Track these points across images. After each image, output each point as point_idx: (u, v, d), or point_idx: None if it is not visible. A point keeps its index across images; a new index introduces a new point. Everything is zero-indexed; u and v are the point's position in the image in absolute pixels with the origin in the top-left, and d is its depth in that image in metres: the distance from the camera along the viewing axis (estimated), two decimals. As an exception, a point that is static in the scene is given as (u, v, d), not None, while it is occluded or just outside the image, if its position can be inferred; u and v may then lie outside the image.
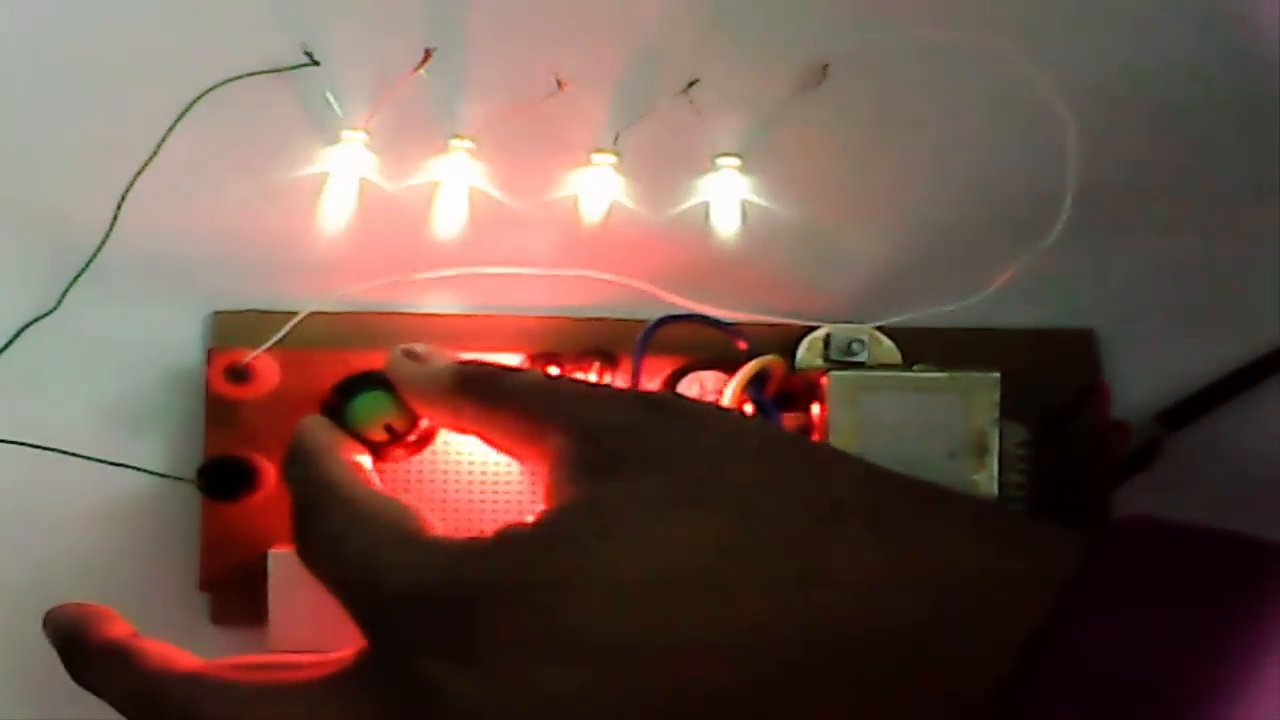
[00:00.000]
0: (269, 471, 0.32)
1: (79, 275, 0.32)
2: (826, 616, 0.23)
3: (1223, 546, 0.22)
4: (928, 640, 0.22)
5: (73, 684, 0.27)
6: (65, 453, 0.30)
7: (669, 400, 0.26)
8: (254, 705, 0.25)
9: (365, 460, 0.30)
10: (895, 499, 0.24)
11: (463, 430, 0.30)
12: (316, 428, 0.29)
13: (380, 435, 0.30)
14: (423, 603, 0.24)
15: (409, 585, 0.24)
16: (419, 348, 0.30)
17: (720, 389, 0.32)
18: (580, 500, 0.24)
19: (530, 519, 0.24)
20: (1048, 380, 0.33)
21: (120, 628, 0.28)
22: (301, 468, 0.28)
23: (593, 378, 0.32)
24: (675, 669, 0.23)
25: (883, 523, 0.23)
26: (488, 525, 0.30)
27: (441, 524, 0.26)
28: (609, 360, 0.33)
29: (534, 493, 0.32)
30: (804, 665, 0.22)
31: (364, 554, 0.25)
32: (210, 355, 0.32)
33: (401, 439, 0.31)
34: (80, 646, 0.27)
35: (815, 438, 0.31)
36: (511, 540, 0.24)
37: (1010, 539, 0.24)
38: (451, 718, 0.23)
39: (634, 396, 0.26)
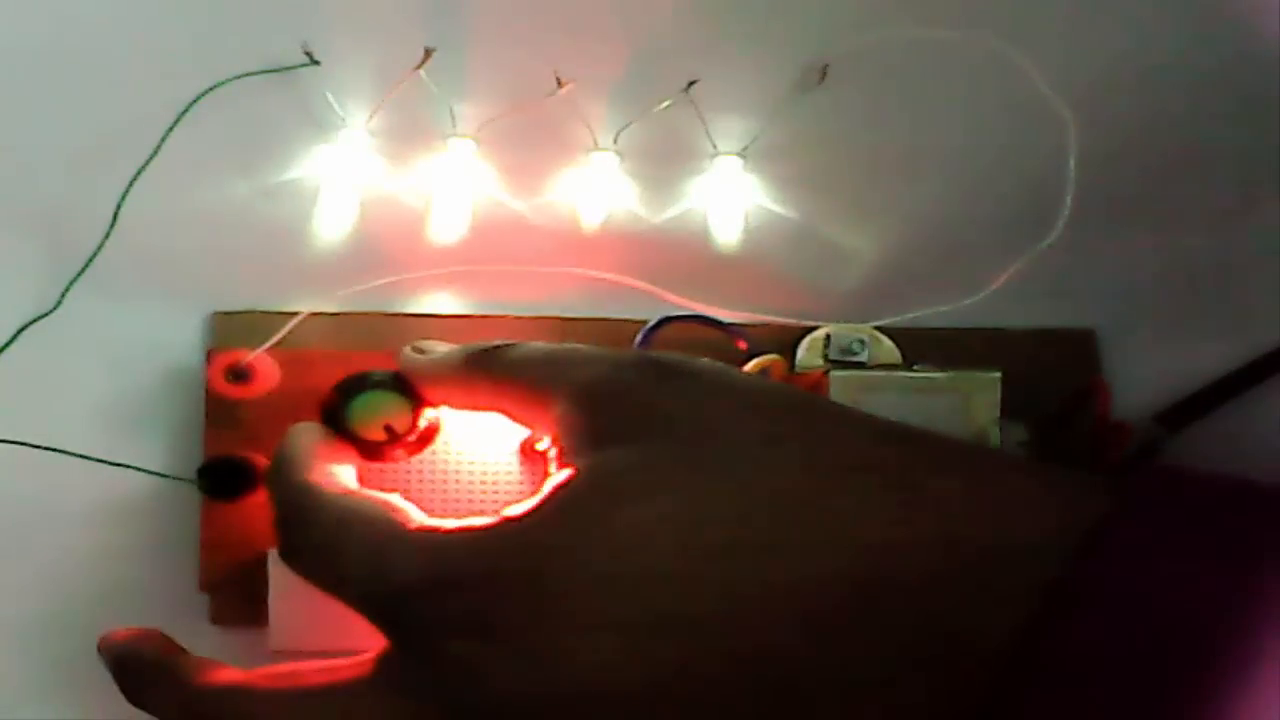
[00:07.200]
0: (269, 471, 0.32)
1: (79, 275, 0.32)
2: (837, 580, 0.22)
3: (1248, 494, 0.22)
4: (941, 599, 0.22)
5: (68, 683, 0.27)
6: (65, 453, 0.30)
7: (671, 361, 0.26)
8: (299, 710, 0.25)
9: (350, 470, 0.30)
10: (905, 455, 0.24)
11: (477, 408, 0.30)
12: (297, 436, 0.29)
13: (380, 435, 0.30)
14: (438, 589, 0.24)
15: (421, 576, 0.24)
16: (426, 343, 0.30)
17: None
18: (584, 471, 0.24)
19: (535, 496, 0.24)
20: (1048, 380, 0.33)
21: (168, 646, 0.28)
22: (283, 477, 0.28)
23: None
24: (691, 637, 0.23)
25: (891, 481, 0.23)
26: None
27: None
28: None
29: (535, 491, 0.31)
30: (820, 630, 0.22)
31: (366, 553, 0.25)
32: (210, 355, 0.32)
33: (401, 439, 0.31)
34: (130, 669, 0.27)
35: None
36: (518, 518, 0.24)
37: (1027, 492, 0.23)
38: (488, 695, 0.23)
39: (635, 358, 0.26)
